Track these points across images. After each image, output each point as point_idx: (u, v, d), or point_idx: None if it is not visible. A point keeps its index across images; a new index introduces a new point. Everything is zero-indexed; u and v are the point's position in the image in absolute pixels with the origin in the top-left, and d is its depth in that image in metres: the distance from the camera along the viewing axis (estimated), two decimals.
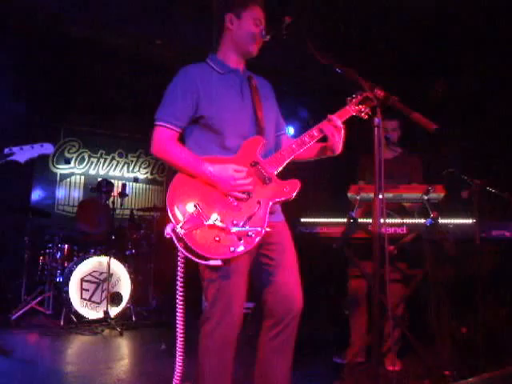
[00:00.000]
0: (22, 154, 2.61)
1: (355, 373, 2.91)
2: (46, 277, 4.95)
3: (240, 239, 1.77)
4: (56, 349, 3.76)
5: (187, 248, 1.74)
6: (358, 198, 2.91)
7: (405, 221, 2.87)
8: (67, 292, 4.46)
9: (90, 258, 4.65)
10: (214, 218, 1.76)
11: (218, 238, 1.75)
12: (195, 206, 1.78)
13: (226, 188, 1.81)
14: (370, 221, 2.87)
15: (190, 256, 1.74)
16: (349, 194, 2.96)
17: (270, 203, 1.85)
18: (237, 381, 2.53)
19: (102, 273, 4.64)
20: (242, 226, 1.78)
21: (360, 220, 2.89)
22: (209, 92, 1.92)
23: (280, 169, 1.93)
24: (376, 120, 1.83)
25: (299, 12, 1.93)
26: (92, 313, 4.52)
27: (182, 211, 1.77)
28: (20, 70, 5.44)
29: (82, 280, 4.55)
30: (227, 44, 2.02)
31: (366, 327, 3.25)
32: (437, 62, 4.67)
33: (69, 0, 4.80)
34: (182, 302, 1.82)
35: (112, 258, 4.63)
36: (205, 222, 1.76)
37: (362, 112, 2.07)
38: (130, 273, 4.80)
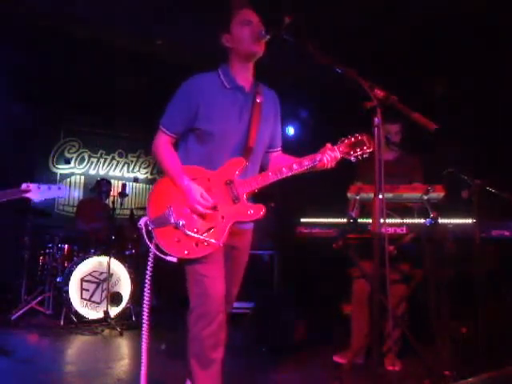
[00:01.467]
0: (39, 193, 2.52)
1: (355, 373, 2.91)
2: (46, 277, 4.94)
3: (196, 245, 1.97)
4: (56, 349, 3.76)
5: (152, 240, 2.00)
6: (357, 198, 2.91)
7: (405, 221, 2.87)
8: (67, 292, 4.45)
9: (90, 258, 4.65)
10: (180, 222, 1.98)
11: (177, 239, 1.98)
12: (168, 207, 2.01)
13: (189, 204, 2.00)
14: (370, 221, 2.87)
15: (152, 247, 1.99)
16: (349, 194, 2.96)
17: (232, 221, 2.00)
18: (234, 375, 2.53)
19: (102, 273, 4.64)
20: (201, 235, 1.97)
21: (360, 220, 2.89)
22: (209, 106, 2.03)
23: (251, 190, 2.03)
24: (376, 120, 1.83)
25: (298, 12, 1.92)
26: (92, 313, 4.51)
27: (157, 209, 2.04)
28: (20, 70, 5.44)
29: (82, 280, 4.55)
30: (234, 60, 2.11)
31: (367, 328, 3.24)
32: (437, 62, 4.67)
33: (69, 0, 4.80)
34: (148, 292, 2.05)
35: (112, 258, 4.63)
36: (172, 223, 1.99)
37: (351, 155, 2.09)
38: (130, 273, 4.80)
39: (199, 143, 2.07)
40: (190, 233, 1.96)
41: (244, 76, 2.10)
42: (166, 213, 2.00)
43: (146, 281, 2.05)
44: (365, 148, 2.06)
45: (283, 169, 2.05)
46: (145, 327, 2.04)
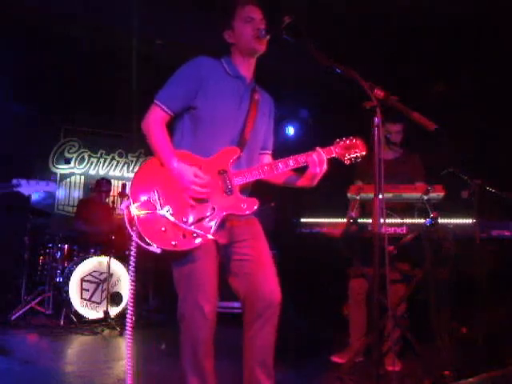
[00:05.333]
0: (28, 187, 2.74)
1: (355, 373, 2.91)
2: (46, 277, 4.94)
3: (184, 236, 1.81)
4: (56, 349, 3.75)
5: (134, 228, 1.81)
6: (357, 198, 2.91)
7: (405, 221, 2.87)
8: (67, 292, 4.46)
9: (90, 258, 4.65)
10: (167, 210, 1.82)
11: (163, 229, 1.81)
12: (154, 192, 1.85)
13: (182, 187, 1.85)
14: (370, 221, 2.87)
15: (133, 235, 1.80)
16: (349, 194, 2.96)
17: (224, 213, 1.89)
18: (231, 378, 2.53)
19: (102, 273, 4.64)
20: (189, 225, 1.82)
21: (360, 220, 2.89)
22: (211, 86, 1.98)
23: (245, 182, 1.95)
24: (376, 120, 1.83)
25: (298, 12, 1.92)
26: (92, 313, 4.52)
27: (142, 193, 1.85)
28: (20, 70, 5.43)
29: (82, 280, 4.55)
30: (236, 54, 2.10)
31: (365, 327, 3.24)
32: (437, 62, 4.66)
33: (69, 0, 4.79)
34: (133, 285, 1.91)
35: (112, 258, 4.63)
36: (157, 211, 1.82)
37: (346, 157, 2.08)
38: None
39: (194, 128, 1.98)
40: (177, 222, 1.80)
41: (245, 69, 2.09)
42: (151, 197, 1.83)
43: (130, 272, 1.89)
44: (357, 151, 2.07)
45: (279, 164, 2.01)
46: (128, 325, 1.94)
